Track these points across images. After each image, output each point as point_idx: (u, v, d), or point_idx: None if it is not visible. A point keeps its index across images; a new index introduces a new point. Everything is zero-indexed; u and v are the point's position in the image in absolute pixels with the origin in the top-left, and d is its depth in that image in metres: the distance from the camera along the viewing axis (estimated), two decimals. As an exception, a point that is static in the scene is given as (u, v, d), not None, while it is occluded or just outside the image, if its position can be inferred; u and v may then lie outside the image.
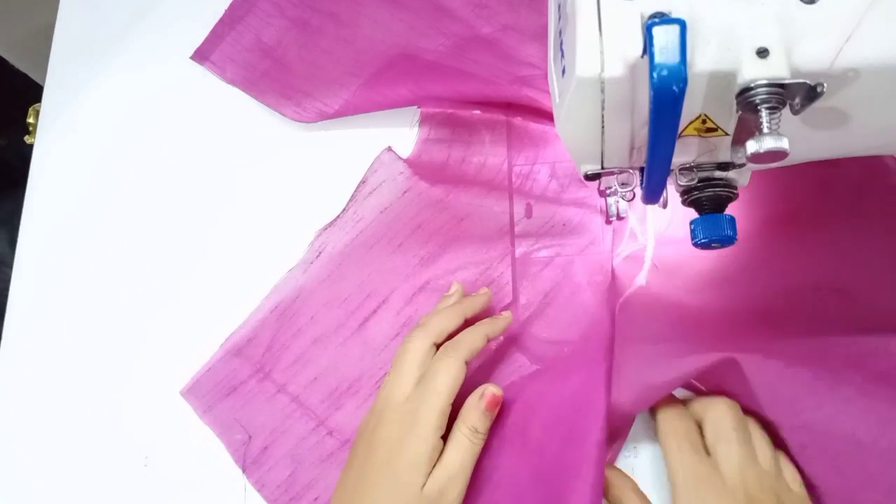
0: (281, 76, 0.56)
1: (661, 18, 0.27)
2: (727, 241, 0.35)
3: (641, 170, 0.35)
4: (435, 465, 0.39)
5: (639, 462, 0.45)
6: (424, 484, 0.39)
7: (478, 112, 0.53)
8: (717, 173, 0.35)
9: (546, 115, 0.52)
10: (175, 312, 0.53)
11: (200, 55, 0.59)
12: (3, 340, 0.54)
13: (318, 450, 0.47)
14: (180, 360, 0.51)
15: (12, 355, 0.53)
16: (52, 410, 0.51)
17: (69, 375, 0.52)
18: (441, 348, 0.43)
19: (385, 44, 0.55)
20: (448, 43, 0.54)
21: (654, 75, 0.26)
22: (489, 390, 0.43)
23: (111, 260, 0.55)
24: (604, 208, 0.49)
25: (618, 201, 0.48)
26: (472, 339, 0.43)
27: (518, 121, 0.53)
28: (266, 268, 0.52)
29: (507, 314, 0.46)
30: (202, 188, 0.56)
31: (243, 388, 0.49)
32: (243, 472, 0.47)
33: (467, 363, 0.42)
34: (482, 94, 0.52)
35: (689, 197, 0.36)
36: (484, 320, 0.45)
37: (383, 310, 0.49)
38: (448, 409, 0.41)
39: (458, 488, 0.40)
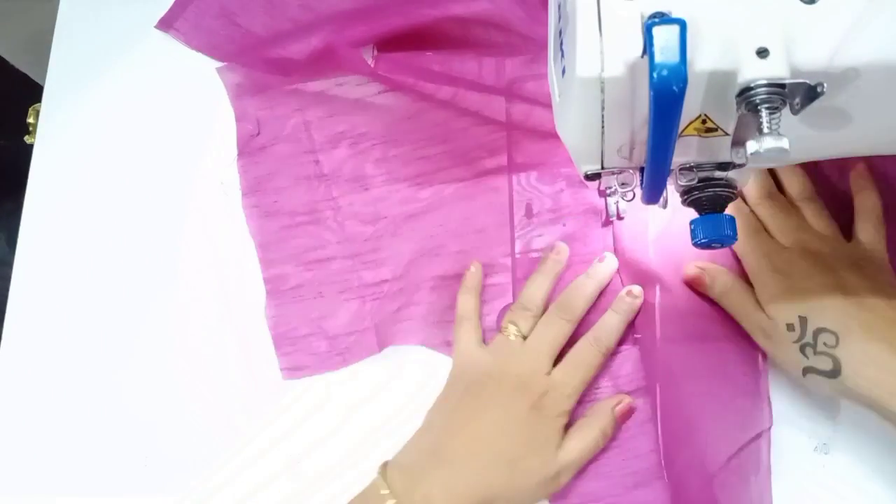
0: (245, 42, 0.57)
1: (661, 18, 0.27)
2: (727, 240, 0.35)
3: (641, 170, 0.35)
4: (558, 447, 0.42)
5: (639, 462, 0.45)
6: (548, 464, 0.42)
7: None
8: (717, 173, 0.35)
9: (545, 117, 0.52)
10: (175, 312, 0.53)
11: (165, 23, 0.59)
12: (3, 340, 0.54)
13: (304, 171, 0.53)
14: (181, 359, 0.51)
15: (12, 355, 0.53)
16: (52, 410, 0.51)
17: (69, 375, 0.52)
18: (587, 339, 0.45)
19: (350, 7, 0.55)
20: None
21: (654, 75, 0.26)
22: (626, 402, 0.45)
23: (111, 260, 0.55)
24: (604, 208, 0.49)
25: (618, 201, 0.48)
26: (611, 328, 0.45)
27: (519, 121, 0.52)
28: (266, 268, 0.52)
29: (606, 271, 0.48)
30: (203, 188, 0.56)
31: (274, 98, 0.54)
32: (237, 157, 0.54)
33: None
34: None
35: (689, 197, 0.36)
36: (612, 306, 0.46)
37: None
38: None
39: (569, 476, 0.43)
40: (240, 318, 0.52)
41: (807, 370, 0.40)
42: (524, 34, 0.53)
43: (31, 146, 0.60)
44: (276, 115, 0.55)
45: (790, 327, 0.40)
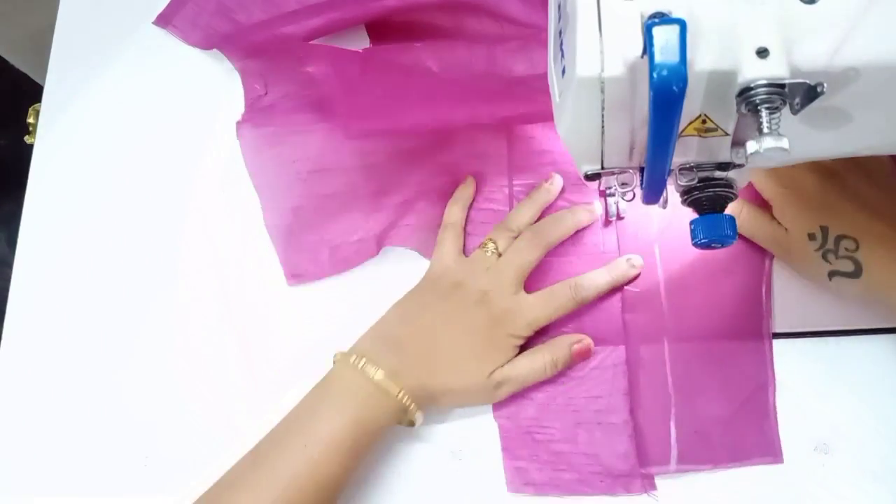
0: (242, 38, 0.57)
1: (661, 18, 0.27)
2: (727, 240, 0.35)
3: (641, 170, 0.35)
4: (507, 362, 0.45)
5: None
6: (492, 372, 0.44)
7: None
8: (717, 173, 0.35)
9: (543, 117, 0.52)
10: (175, 312, 0.53)
11: (163, 19, 0.60)
12: (3, 340, 0.54)
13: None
14: (181, 359, 0.51)
15: (12, 355, 0.53)
16: (52, 410, 0.51)
17: (69, 375, 0.52)
18: (569, 282, 0.46)
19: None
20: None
21: (654, 75, 0.26)
22: (586, 342, 0.46)
23: (111, 260, 0.55)
24: (604, 209, 0.49)
25: (618, 201, 0.48)
26: (596, 284, 0.47)
27: (518, 129, 0.53)
28: (270, 266, 0.52)
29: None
30: (203, 188, 0.56)
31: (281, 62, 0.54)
32: (242, 115, 0.54)
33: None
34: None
35: (689, 197, 0.36)
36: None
37: None
38: None
39: (511, 389, 0.45)
40: (240, 318, 0.52)
41: (832, 273, 0.42)
42: (517, 21, 0.53)
43: (31, 146, 0.60)
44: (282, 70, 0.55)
45: (812, 237, 0.42)
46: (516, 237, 0.48)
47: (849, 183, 0.43)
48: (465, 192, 0.51)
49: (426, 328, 0.45)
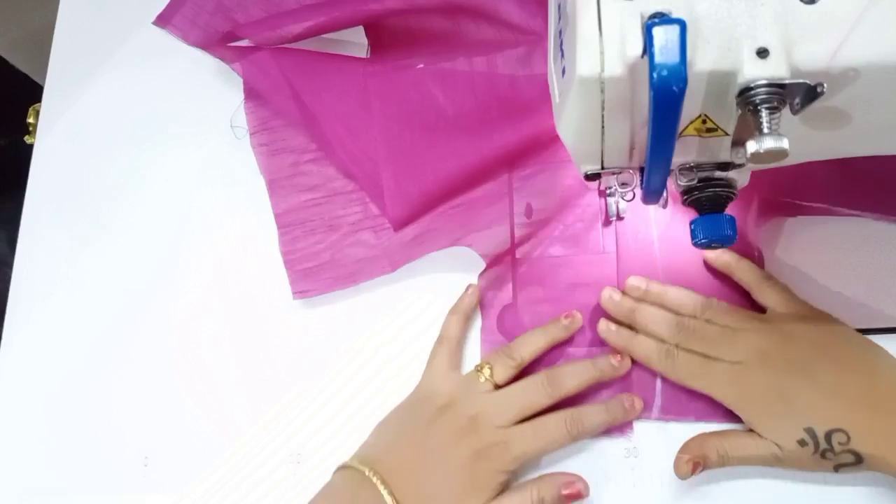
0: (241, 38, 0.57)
1: (661, 18, 0.27)
2: (727, 240, 0.35)
3: (641, 170, 0.35)
4: (490, 500, 0.42)
5: (639, 462, 0.45)
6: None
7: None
8: (717, 173, 0.35)
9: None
10: (176, 312, 0.53)
11: (163, 19, 0.60)
12: (3, 340, 0.54)
13: None
14: (181, 360, 0.51)
15: (12, 355, 0.53)
16: (52, 410, 0.51)
17: (69, 375, 0.52)
18: (563, 416, 0.43)
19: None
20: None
21: (654, 75, 0.26)
22: (577, 486, 0.43)
23: (111, 260, 0.55)
24: (604, 209, 0.49)
25: (618, 201, 0.48)
26: (593, 422, 0.44)
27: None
28: (269, 266, 0.52)
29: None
30: (203, 187, 0.56)
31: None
32: (243, 101, 0.55)
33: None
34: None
35: (689, 197, 0.36)
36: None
37: None
38: None
39: None
40: (240, 318, 0.52)
41: (837, 467, 0.40)
42: (516, 26, 0.53)
43: (31, 146, 0.60)
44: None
45: (802, 443, 0.40)
46: (515, 366, 0.45)
47: (818, 375, 0.41)
48: (466, 302, 0.48)
49: (406, 457, 0.43)
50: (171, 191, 0.56)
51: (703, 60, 0.29)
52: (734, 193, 0.36)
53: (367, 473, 0.42)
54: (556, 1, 0.36)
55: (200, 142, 0.57)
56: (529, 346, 0.46)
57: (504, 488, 0.43)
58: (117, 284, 0.54)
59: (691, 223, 0.36)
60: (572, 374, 0.45)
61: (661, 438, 0.45)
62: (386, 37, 0.56)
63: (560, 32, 0.34)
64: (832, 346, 0.42)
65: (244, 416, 0.49)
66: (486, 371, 0.45)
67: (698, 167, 0.35)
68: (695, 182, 0.35)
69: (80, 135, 0.59)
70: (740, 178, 0.36)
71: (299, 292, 0.51)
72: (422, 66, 0.53)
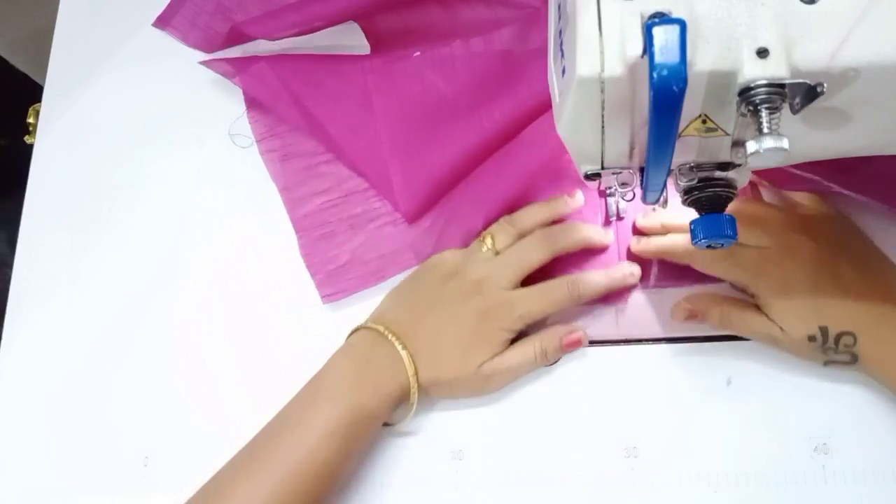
0: (240, 38, 0.57)
1: (661, 18, 0.27)
2: (727, 241, 0.35)
3: (641, 170, 0.35)
4: (496, 354, 0.45)
5: (639, 462, 0.45)
6: (483, 364, 0.44)
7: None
8: (717, 173, 0.35)
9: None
10: (176, 312, 0.53)
11: (162, 21, 0.60)
12: (3, 340, 0.54)
13: None
14: (181, 359, 0.51)
15: (12, 355, 0.53)
16: (52, 410, 0.51)
17: (69, 375, 0.52)
18: (567, 278, 0.46)
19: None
20: None
21: (654, 75, 0.26)
22: (577, 335, 0.46)
23: (111, 260, 0.55)
24: (604, 209, 0.49)
25: (618, 201, 0.48)
26: (594, 284, 0.46)
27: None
28: (269, 265, 0.52)
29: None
30: (203, 187, 0.56)
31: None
32: (245, 111, 0.55)
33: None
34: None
35: (689, 197, 0.36)
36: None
37: None
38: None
39: (503, 382, 0.46)
40: (240, 318, 0.52)
41: (828, 363, 0.43)
42: (511, 2, 0.53)
43: (31, 146, 0.60)
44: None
45: (812, 338, 0.42)
46: (516, 233, 0.47)
47: (843, 276, 0.42)
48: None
49: (417, 317, 0.45)
50: (171, 191, 0.56)
51: (703, 60, 0.29)
52: (734, 193, 0.36)
53: (382, 331, 0.44)
54: (556, 1, 0.36)
55: (200, 142, 0.57)
56: (531, 216, 0.48)
57: (507, 346, 0.45)
58: (117, 284, 0.54)
59: (691, 223, 0.36)
60: (567, 228, 0.47)
61: (661, 438, 0.45)
62: (383, 32, 0.56)
63: (560, 32, 0.34)
64: (857, 252, 0.44)
65: (244, 416, 0.49)
66: (489, 241, 0.47)
67: (698, 167, 0.35)
68: (695, 182, 0.35)
69: (80, 135, 0.59)
70: (740, 178, 0.36)
71: (327, 296, 0.51)
72: (418, 54, 0.53)
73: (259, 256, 0.53)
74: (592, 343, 0.47)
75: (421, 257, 0.50)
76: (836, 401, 0.44)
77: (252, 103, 0.56)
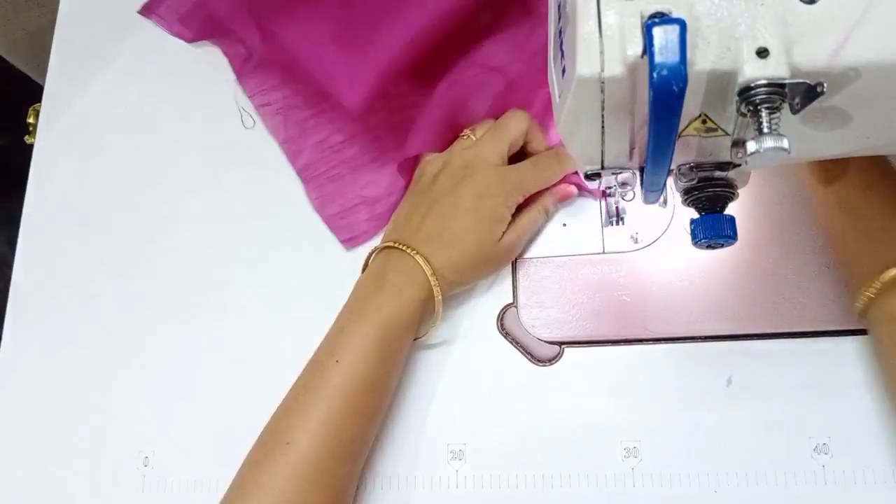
0: (224, 28, 0.57)
1: (661, 18, 0.27)
2: (727, 241, 0.35)
3: (641, 170, 0.35)
4: (510, 225, 0.47)
5: (639, 462, 0.45)
6: (501, 238, 0.46)
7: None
8: (717, 173, 0.35)
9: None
10: (175, 312, 0.53)
11: (148, 9, 0.60)
12: (3, 340, 0.54)
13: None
14: (181, 359, 0.51)
15: (12, 355, 0.53)
16: (52, 410, 0.51)
17: (69, 375, 0.52)
18: (555, 151, 0.48)
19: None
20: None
21: (654, 75, 0.26)
22: (568, 189, 0.49)
23: (111, 260, 0.55)
24: (604, 208, 0.49)
25: (618, 201, 0.48)
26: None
27: None
28: (269, 265, 0.52)
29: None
30: (202, 187, 0.56)
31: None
32: (236, 79, 0.55)
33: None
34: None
35: (689, 197, 0.36)
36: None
37: None
38: None
39: (521, 246, 0.49)
40: (240, 318, 0.52)
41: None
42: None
43: (31, 146, 0.60)
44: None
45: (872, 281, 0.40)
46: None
47: None
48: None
49: (420, 221, 0.46)
50: (171, 190, 0.56)
51: (703, 60, 0.29)
52: (734, 193, 0.36)
53: (392, 245, 0.46)
54: (556, 1, 0.36)
55: (200, 141, 0.57)
56: (516, 124, 0.48)
57: (509, 219, 0.47)
58: (117, 284, 0.54)
59: (691, 223, 0.36)
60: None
61: (661, 438, 0.45)
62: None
63: (560, 32, 0.34)
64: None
65: (244, 416, 0.49)
66: (468, 133, 0.49)
67: (698, 167, 0.35)
68: (695, 182, 0.35)
69: (80, 135, 0.59)
70: (740, 178, 0.36)
71: (347, 240, 0.52)
72: None
73: (259, 256, 0.53)
74: (592, 343, 0.47)
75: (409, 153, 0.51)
76: (836, 401, 0.44)
77: (241, 70, 0.56)
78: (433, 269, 0.45)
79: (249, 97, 0.56)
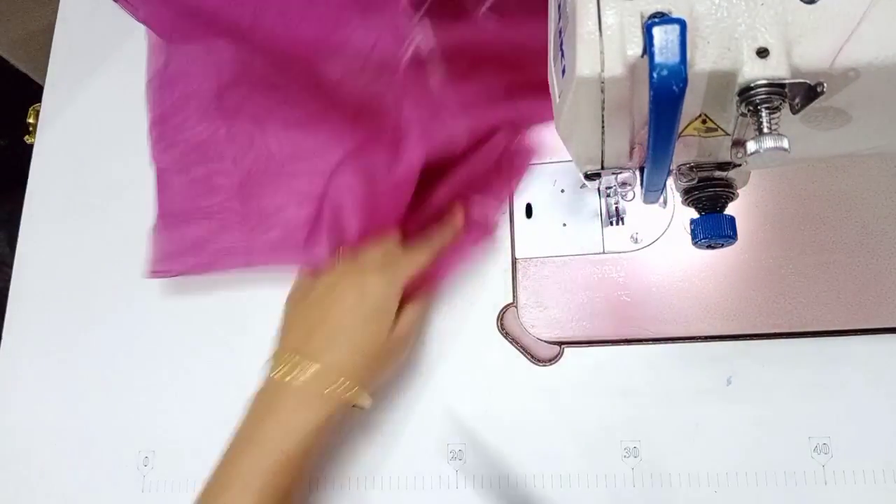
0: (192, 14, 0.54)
1: (661, 18, 0.27)
2: (727, 241, 0.35)
3: (641, 170, 0.35)
4: (395, 319, 0.44)
5: (639, 462, 0.45)
6: (393, 328, 0.44)
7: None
8: (717, 173, 0.35)
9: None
10: (175, 311, 0.53)
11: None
12: (3, 340, 0.54)
13: None
14: (181, 359, 0.51)
15: (12, 355, 0.53)
16: (52, 410, 0.51)
17: (69, 375, 0.52)
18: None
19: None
20: None
21: (654, 75, 0.26)
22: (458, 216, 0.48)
23: (111, 260, 0.55)
24: (604, 208, 0.49)
25: (618, 201, 0.48)
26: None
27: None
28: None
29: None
30: (202, 188, 0.56)
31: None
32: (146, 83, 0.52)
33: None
34: None
35: (689, 197, 0.36)
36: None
37: None
38: None
39: (413, 338, 0.46)
40: (240, 318, 0.52)
41: None
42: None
43: (31, 146, 0.60)
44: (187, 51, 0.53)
45: None
46: None
47: None
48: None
49: (306, 325, 0.45)
50: (171, 191, 0.56)
51: (703, 60, 0.29)
52: (734, 193, 0.36)
53: (288, 357, 0.43)
54: (556, 1, 0.36)
55: (200, 142, 0.57)
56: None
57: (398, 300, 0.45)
58: (116, 284, 0.54)
59: (691, 223, 0.36)
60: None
61: (661, 438, 0.45)
62: None
63: (560, 32, 0.34)
64: None
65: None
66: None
67: (698, 167, 0.35)
68: (695, 182, 0.35)
69: (80, 135, 0.59)
70: (740, 178, 0.36)
71: (154, 272, 0.51)
72: None
73: (259, 256, 0.53)
74: (592, 343, 0.47)
75: (251, 262, 0.50)
76: (836, 401, 0.44)
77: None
78: (335, 376, 0.42)
79: (150, 122, 0.54)
